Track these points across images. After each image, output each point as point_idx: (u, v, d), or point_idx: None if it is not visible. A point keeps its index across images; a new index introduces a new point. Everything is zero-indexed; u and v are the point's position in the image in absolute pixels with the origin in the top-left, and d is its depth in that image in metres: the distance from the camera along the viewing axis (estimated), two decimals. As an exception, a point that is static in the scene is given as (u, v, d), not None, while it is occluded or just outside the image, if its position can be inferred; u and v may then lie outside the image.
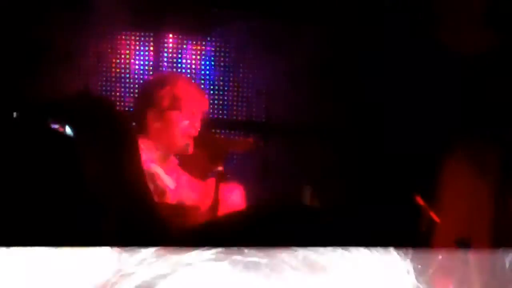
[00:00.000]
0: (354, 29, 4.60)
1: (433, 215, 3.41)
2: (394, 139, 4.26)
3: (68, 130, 1.46)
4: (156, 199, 2.76)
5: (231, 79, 4.98)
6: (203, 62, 4.96)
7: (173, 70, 4.93)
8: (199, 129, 3.60)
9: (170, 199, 3.43)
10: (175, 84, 3.56)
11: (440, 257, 2.78)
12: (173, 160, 3.64)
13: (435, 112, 4.16)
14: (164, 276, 0.68)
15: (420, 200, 3.47)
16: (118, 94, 4.96)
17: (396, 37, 4.39)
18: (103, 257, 1.22)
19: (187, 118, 3.54)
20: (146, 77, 4.91)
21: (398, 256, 0.77)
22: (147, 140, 3.51)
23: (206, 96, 3.73)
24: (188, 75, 4.91)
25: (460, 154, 3.60)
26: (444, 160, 3.64)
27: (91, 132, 1.49)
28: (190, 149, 3.60)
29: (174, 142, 3.55)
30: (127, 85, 4.95)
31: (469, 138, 3.76)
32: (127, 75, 4.95)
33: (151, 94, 3.55)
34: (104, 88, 4.95)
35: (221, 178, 3.51)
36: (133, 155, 1.52)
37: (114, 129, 1.52)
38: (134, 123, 3.81)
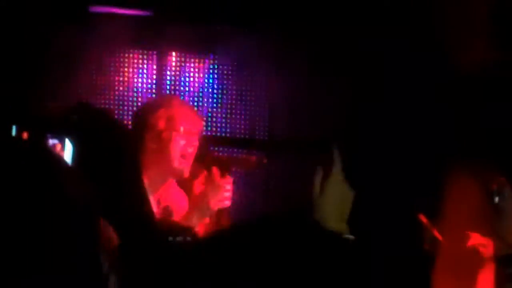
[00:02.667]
0: (356, 46, 4.61)
1: (436, 233, 3.40)
2: (397, 157, 4.26)
3: (67, 145, 1.46)
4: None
5: (233, 96, 4.99)
6: (205, 80, 4.97)
7: (175, 88, 4.94)
8: (196, 148, 3.59)
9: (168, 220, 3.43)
10: (169, 106, 3.56)
11: None
12: (171, 186, 3.62)
13: (437, 129, 4.16)
14: None
15: (423, 218, 3.47)
16: (121, 112, 4.96)
17: (398, 55, 4.39)
18: None
19: (183, 138, 3.53)
20: (148, 95, 4.93)
21: None
22: (145, 163, 3.50)
23: (201, 115, 3.74)
24: (191, 93, 4.93)
25: (463, 172, 3.60)
26: (447, 178, 3.63)
27: (92, 148, 1.48)
28: (186, 173, 3.58)
29: (171, 162, 3.53)
30: (130, 103, 4.96)
31: (472, 156, 3.76)
32: (130, 93, 4.96)
33: (146, 117, 3.54)
34: (107, 106, 4.95)
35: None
36: (135, 176, 1.51)
37: (117, 148, 1.51)
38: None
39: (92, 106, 1.42)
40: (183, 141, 3.53)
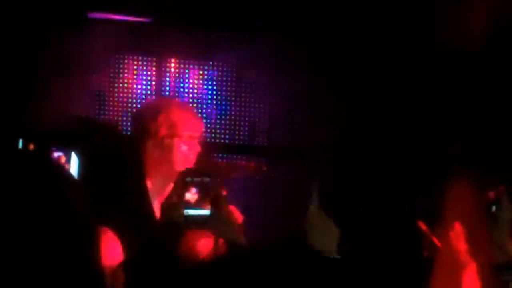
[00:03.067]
0: (357, 52, 4.62)
1: (435, 240, 3.40)
2: (396, 164, 4.26)
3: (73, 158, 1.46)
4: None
5: (232, 102, 4.99)
6: (205, 86, 4.97)
7: (175, 95, 4.94)
8: (198, 152, 3.60)
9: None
10: (169, 111, 3.55)
11: None
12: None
13: (437, 137, 4.17)
14: None
15: (422, 225, 3.47)
16: (120, 118, 4.97)
17: (399, 60, 4.40)
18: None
19: (185, 143, 3.54)
20: (147, 101, 4.92)
21: None
22: (147, 168, 3.50)
23: (201, 120, 3.73)
24: (190, 99, 4.93)
25: (462, 179, 3.60)
26: (447, 185, 3.63)
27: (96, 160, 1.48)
28: (189, 174, 3.58)
29: (174, 167, 3.54)
30: (130, 109, 4.96)
31: (471, 162, 3.76)
32: (130, 99, 4.97)
33: (147, 124, 3.54)
34: (106, 112, 4.96)
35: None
36: (140, 185, 1.51)
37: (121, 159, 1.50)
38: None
39: (97, 120, 1.43)
40: (185, 147, 3.53)
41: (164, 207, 3.27)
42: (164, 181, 3.53)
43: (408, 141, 4.32)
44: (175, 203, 3.19)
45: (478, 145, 3.87)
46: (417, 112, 4.34)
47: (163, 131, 3.51)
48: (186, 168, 3.31)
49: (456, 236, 3.24)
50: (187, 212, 3.11)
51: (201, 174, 3.13)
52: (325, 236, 3.84)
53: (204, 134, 3.76)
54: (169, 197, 3.31)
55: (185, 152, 3.53)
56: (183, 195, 3.10)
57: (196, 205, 3.12)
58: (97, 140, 1.42)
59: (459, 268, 3.21)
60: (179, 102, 3.86)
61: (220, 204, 3.23)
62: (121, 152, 1.41)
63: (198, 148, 3.58)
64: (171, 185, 3.57)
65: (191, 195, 3.15)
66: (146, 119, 3.56)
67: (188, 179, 3.14)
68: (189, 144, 3.54)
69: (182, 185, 3.17)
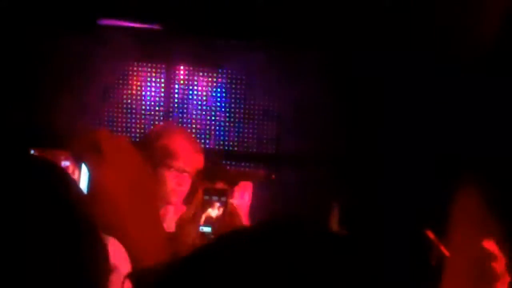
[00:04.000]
0: (364, 58, 4.61)
1: (443, 249, 3.39)
2: (405, 172, 4.25)
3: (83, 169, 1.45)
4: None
5: (241, 110, 4.99)
6: (214, 94, 4.98)
7: (183, 102, 4.95)
8: (189, 186, 3.52)
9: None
10: (169, 139, 3.49)
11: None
12: (169, 210, 3.58)
13: (446, 144, 4.16)
14: None
15: (430, 234, 3.45)
16: (129, 125, 4.97)
17: (407, 66, 4.39)
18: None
19: (175, 177, 3.47)
20: (157, 108, 4.93)
21: None
22: None
23: (202, 153, 3.62)
24: (199, 106, 4.93)
25: (470, 188, 3.58)
26: (455, 193, 3.62)
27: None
28: (179, 203, 3.53)
29: (165, 196, 3.49)
30: (139, 116, 4.97)
31: (480, 171, 3.75)
32: (139, 106, 4.97)
33: (146, 146, 3.49)
34: (115, 119, 4.97)
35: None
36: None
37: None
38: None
39: (111, 133, 1.42)
40: (174, 180, 3.46)
41: (180, 223, 3.25)
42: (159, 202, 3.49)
43: (417, 150, 4.31)
44: (190, 219, 3.17)
45: (486, 152, 3.86)
46: (427, 119, 4.33)
47: (157, 158, 3.44)
48: (205, 187, 3.27)
49: (466, 245, 3.23)
50: (202, 229, 3.09)
51: (219, 192, 3.11)
52: None
53: (201, 167, 3.65)
54: (186, 213, 3.29)
55: (173, 184, 3.46)
56: (199, 213, 3.09)
57: (211, 223, 3.11)
58: (112, 155, 1.42)
59: (470, 278, 3.20)
60: (184, 133, 3.77)
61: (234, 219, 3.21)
62: (134, 169, 1.41)
63: (189, 182, 3.49)
64: (165, 209, 3.52)
65: (212, 211, 3.14)
66: (146, 142, 3.51)
67: (206, 197, 3.12)
68: (180, 178, 3.46)
69: (200, 203, 3.15)
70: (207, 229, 3.08)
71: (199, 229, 3.07)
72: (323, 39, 4.62)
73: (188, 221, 3.18)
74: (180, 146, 3.47)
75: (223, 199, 3.09)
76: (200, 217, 3.07)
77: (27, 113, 4.55)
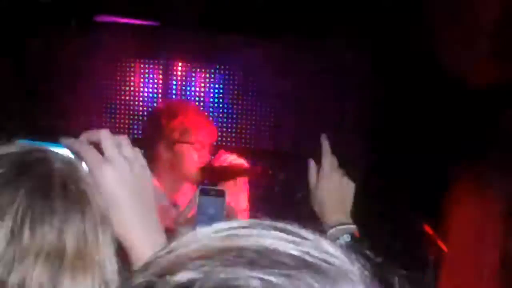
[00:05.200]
0: (362, 56, 4.62)
1: (440, 243, 3.40)
2: (403, 168, 4.26)
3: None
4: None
5: (239, 106, 5.00)
6: (211, 90, 4.98)
7: (182, 98, 4.94)
8: (208, 160, 3.60)
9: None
10: (185, 116, 3.55)
11: None
12: (187, 187, 3.63)
13: (442, 140, 4.17)
14: None
15: (428, 229, 3.47)
16: (126, 121, 4.98)
17: (406, 63, 4.40)
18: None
19: (196, 150, 3.55)
20: (154, 104, 4.93)
21: None
22: (157, 169, 3.52)
23: (215, 126, 3.72)
24: (197, 103, 4.93)
25: (468, 183, 3.60)
26: (452, 188, 3.64)
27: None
28: (199, 178, 3.60)
29: (183, 173, 3.56)
30: (136, 112, 4.97)
31: (477, 165, 3.77)
32: (136, 103, 4.97)
33: (161, 125, 3.54)
34: (113, 115, 4.97)
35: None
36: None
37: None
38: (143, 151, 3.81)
39: (112, 133, 1.43)
40: (195, 154, 3.54)
41: (179, 222, 3.27)
42: (173, 184, 3.54)
43: (414, 145, 4.32)
44: (189, 218, 3.19)
45: (485, 149, 3.87)
46: (424, 114, 4.34)
47: (176, 135, 3.51)
48: (202, 187, 3.31)
49: (463, 239, 3.25)
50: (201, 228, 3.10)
51: (216, 192, 3.13)
52: None
53: (215, 142, 3.75)
54: (184, 212, 3.32)
55: (194, 159, 3.54)
56: (196, 213, 3.10)
57: (209, 223, 3.11)
58: (112, 155, 1.43)
59: (467, 271, 3.22)
60: (196, 108, 3.84)
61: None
62: (135, 169, 1.42)
63: (208, 157, 3.58)
64: (181, 187, 3.58)
65: (209, 211, 3.15)
66: (161, 121, 3.56)
67: (203, 197, 3.14)
68: (200, 152, 3.55)
69: (197, 204, 3.17)
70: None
71: (195, 230, 3.08)
72: (320, 36, 4.62)
73: (184, 222, 3.20)
74: (197, 122, 3.54)
75: (220, 199, 3.10)
76: (197, 217, 3.09)
77: (23, 111, 4.55)
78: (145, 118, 4.85)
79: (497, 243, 3.47)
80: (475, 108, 4.04)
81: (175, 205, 3.54)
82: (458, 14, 4.06)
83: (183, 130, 3.52)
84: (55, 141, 1.47)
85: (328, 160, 2.30)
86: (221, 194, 3.13)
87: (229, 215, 3.22)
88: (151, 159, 3.56)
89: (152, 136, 3.59)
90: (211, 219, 3.12)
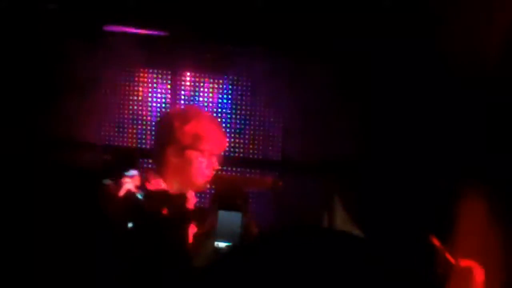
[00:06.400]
0: (368, 66, 4.60)
1: (448, 256, 3.37)
2: (409, 179, 4.24)
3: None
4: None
5: (247, 117, 4.98)
6: (219, 100, 4.97)
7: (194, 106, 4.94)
8: (216, 169, 3.60)
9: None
10: (198, 122, 3.55)
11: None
12: (191, 194, 3.63)
13: (450, 150, 4.14)
14: None
15: (435, 241, 3.44)
16: (135, 131, 4.97)
17: (412, 74, 4.39)
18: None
19: (205, 158, 3.54)
20: (163, 114, 4.92)
21: None
22: (165, 173, 3.52)
23: (226, 136, 3.72)
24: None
25: (475, 194, 3.57)
26: (460, 200, 3.61)
27: None
28: (205, 188, 3.60)
29: (190, 179, 3.55)
30: (144, 122, 4.96)
31: (484, 178, 3.74)
32: (144, 112, 4.97)
33: (173, 129, 3.54)
34: (121, 125, 4.96)
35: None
36: None
37: None
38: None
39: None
40: (204, 162, 3.53)
41: (196, 238, 3.27)
42: (182, 186, 3.54)
43: (422, 157, 4.29)
44: (206, 234, 3.18)
45: (490, 160, 3.85)
46: (432, 126, 4.31)
47: (186, 141, 3.51)
48: (219, 201, 3.30)
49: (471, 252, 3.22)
50: (218, 244, 3.10)
51: (232, 208, 3.13)
52: None
53: (225, 151, 3.75)
54: (202, 228, 3.31)
55: (203, 167, 3.53)
56: (215, 227, 3.10)
57: (227, 237, 3.11)
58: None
59: (475, 284, 3.19)
60: (209, 116, 3.85)
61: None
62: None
63: (217, 166, 3.58)
64: (189, 192, 3.57)
65: (227, 225, 3.14)
66: (172, 125, 3.56)
67: (221, 212, 3.14)
68: (209, 160, 3.54)
69: (216, 218, 3.16)
70: (222, 244, 3.08)
71: (214, 244, 3.07)
72: (328, 46, 4.61)
73: (204, 236, 3.19)
74: (209, 130, 3.54)
75: (238, 213, 3.09)
76: (215, 232, 3.08)
77: (33, 119, 4.56)
78: (153, 126, 4.85)
79: (506, 254, 3.44)
80: (485, 119, 4.02)
81: None
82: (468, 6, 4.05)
83: (195, 136, 3.51)
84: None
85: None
86: (238, 208, 3.13)
87: (247, 228, 3.21)
88: (160, 162, 3.55)
89: (162, 140, 3.58)
90: (230, 233, 3.11)
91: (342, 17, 4.42)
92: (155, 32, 4.80)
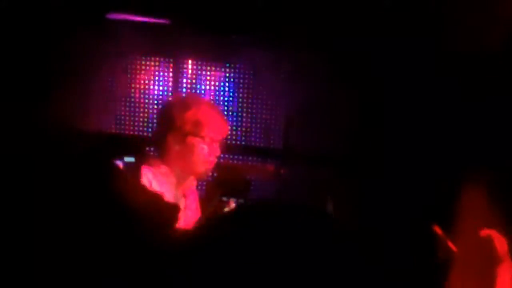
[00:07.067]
0: (370, 58, 4.61)
1: (450, 244, 3.39)
2: (411, 168, 4.25)
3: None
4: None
5: (249, 105, 4.99)
6: (221, 88, 4.98)
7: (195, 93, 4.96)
8: (218, 156, 3.61)
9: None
10: (198, 109, 3.56)
11: None
12: (192, 182, 3.64)
13: (453, 139, 4.16)
14: None
15: (437, 229, 3.45)
16: (137, 118, 4.98)
17: (412, 66, 4.39)
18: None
19: (207, 145, 3.55)
20: (164, 102, 4.94)
21: None
22: (167, 160, 3.53)
23: (227, 123, 3.72)
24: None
25: (479, 181, 3.58)
26: (463, 187, 3.62)
27: None
28: (207, 176, 3.61)
29: (192, 166, 3.56)
30: (146, 110, 4.97)
31: (488, 165, 3.75)
32: (146, 100, 4.98)
33: (174, 117, 3.55)
34: (123, 113, 4.98)
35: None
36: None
37: None
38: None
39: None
40: (206, 148, 3.54)
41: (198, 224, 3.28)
42: (182, 176, 3.55)
43: (424, 144, 4.31)
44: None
45: (492, 145, 3.86)
46: (433, 115, 4.33)
47: (187, 128, 3.51)
48: (223, 188, 3.31)
49: (472, 238, 3.23)
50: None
51: (236, 195, 3.14)
52: None
53: (227, 138, 3.75)
54: (204, 214, 3.32)
55: (205, 153, 3.54)
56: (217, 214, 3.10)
57: None
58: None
59: (477, 271, 3.20)
60: (210, 103, 3.86)
61: None
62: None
63: (218, 152, 3.58)
64: (190, 180, 3.58)
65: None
66: (173, 112, 3.56)
67: (224, 199, 3.15)
68: (210, 147, 3.54)
69: (218, 204, 3.17)
70: None
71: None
72: (332, 36, 4.62)
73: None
74: (210, 116, 3.54)
75: (240, 200, 3.10)
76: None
77: (32, 108, 4.56)
78: (155, 113, 4.87)
79: (508, 243, 3.45)
80: (490, 108, 4.03)
81: (183, 195, 3.56)
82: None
83: (195, 122, 3.52)
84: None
85: None
86: (241, 195, 3.14)
87: None
88: (162, 149, 3.57)
89: (163, 127, 3.60)
90: None
91: (342, 17, 4.43)
92: (157, 20, 4.81)
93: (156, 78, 4.99)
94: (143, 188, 2.84)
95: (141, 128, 4.97)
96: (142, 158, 3.45)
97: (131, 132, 4.95)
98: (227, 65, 4.98)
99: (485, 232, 3.23)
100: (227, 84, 4.98)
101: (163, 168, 3.52)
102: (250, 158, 5.01)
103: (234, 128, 4.95)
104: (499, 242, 3.22)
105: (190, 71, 5.00)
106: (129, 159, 3.22)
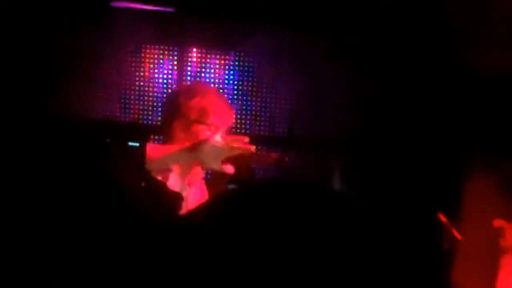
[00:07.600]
0: (378, 46, 4.60)
1: (455, 232, 3.39)
2: (416, 155, 4.25)
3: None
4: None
5: (254, 93, 4.99)
6: (226, 76, 4.98)
7: (200, 81, 4.95)
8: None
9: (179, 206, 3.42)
10: (204, 96, 3.55)
11: None
12: (198, 171, 3.63)
13: (457, 127, 4.15)
14: None
15: (442, 217, 3.45)
16: (141, 107, 4.98)
17: (419, 55, 4.38)
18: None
19: (212, 133, 3.54)
20: (169, 90, 4.93)
21: None
22: (175, 149, 3.52)
23: (233, 111, 3.71)
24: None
25: (483, 170, 3.58)
26: (467, 175, 3.62)
27: None
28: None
29: (198, 154, 3.54)
30: (151, 98, 4.97)
31: (493, 153, 3.74)
32: (151, 88, 4.98)
33: (179, 104, 3.54)
34: (127, 101, 4.98)
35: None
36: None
37: None
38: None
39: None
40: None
41: None
42: (186, 165, 3.54)
43: (431, 130, 4.30)
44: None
45: (498, 132, 3.85)
46: (437, 102, 4.32)
47: (193, 115, 3.51)
48: (229, 175, 3.31)
49: (477, 227, 3.23)
50: None
51: (242, 183, 3.14)
52: None
53: (232, 127, 3.75)
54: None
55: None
56: None
57: None
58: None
59: (482, 260, 3.20)
60: (216, 91, 3.84)
61: None
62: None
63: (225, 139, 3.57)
64: (196, 168, 3.57)
65: None
66: (179, 100, 3.56)
67: (231, 186, 3.15)
68: (216, 134, 3.53)
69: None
70: None
71: None
72: (336, 24, 4.61)
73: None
74: (215, 104, 3.54)
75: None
76: None
77: (36, 98, 4.57)
78: (160, 102, 4.87)
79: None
80: (492, 97, 4.02)
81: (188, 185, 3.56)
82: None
83: (201, 110, 3.51)
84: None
85: None
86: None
87: None
88: (168, 137, 3.57)
89: (169, 114, 3.59)
90: None
91: (342, 16, 4.42)
92: (162, 8, 4.80)
93: (160, 66, 4.99)
94: (148, 176, 2.84)
95: (145, 117, 4.97)
96: (147, 146, 3.45)
97: (136, 120, 4.95)
98: (232, 53, 4.97)
99: (497, 222, 3.23)
100: (231, 72, 4.97)
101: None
102: (254, 146, 5.00)
103: (239, 115, 4.95)
104: (509, 233, 3.22)
105: (194, 59, 4.99)
106: (133, 144, 3.22)
